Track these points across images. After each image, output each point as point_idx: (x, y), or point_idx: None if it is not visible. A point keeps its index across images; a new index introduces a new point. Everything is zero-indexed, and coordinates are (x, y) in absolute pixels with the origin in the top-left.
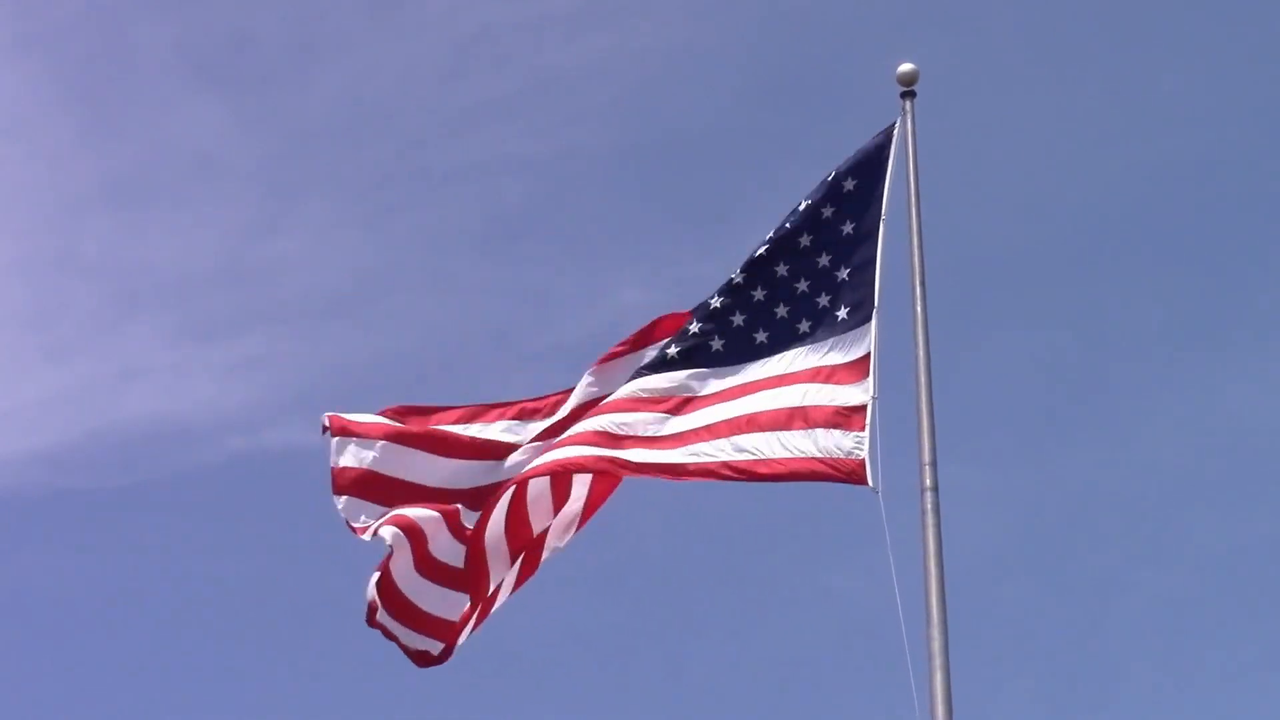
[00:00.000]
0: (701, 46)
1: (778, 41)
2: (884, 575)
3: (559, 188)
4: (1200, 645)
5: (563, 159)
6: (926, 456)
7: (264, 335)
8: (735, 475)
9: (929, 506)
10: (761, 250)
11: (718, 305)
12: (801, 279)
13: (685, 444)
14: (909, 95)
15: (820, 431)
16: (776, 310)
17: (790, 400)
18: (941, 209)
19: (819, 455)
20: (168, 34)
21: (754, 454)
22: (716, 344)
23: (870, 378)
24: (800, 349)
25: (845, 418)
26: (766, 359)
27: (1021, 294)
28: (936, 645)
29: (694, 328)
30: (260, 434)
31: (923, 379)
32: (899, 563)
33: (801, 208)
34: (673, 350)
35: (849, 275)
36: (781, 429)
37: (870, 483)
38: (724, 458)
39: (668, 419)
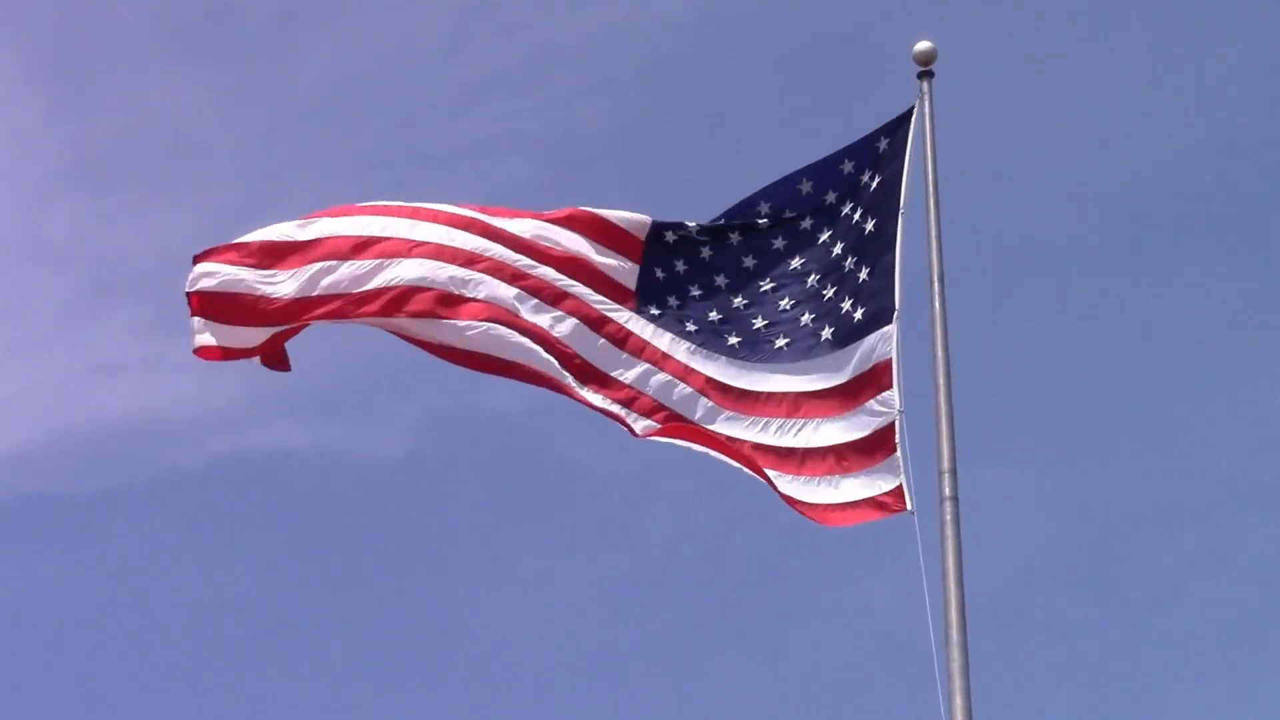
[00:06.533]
0: (713, 20)
1: (791, 17)
2: (917, 590)
3: (565, 167)
4: (1254, 663)
5: (569, 137)
6: (946, 464)
7: None
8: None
9: (948, 517)
10: (779, 243)
11: (723, 284)
12: (826, 282)
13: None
14: (927, 75)
15: (848, 480)
16: (800, 316)
17: (813, 442)
18: (962, 197)
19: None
20: (142, 2)
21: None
22: (733, 339)
23: (895, 389)
24: (820, 359)
25: (869, 454)
26: (789, 366)
27: (1049, 289)
28: (957, 665)
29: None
30: (243, 434)
31: (941, 381)
32: (931, 577)
33: (825, 201)
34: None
35: (869, 276)
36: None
37: (909, 507)
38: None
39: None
